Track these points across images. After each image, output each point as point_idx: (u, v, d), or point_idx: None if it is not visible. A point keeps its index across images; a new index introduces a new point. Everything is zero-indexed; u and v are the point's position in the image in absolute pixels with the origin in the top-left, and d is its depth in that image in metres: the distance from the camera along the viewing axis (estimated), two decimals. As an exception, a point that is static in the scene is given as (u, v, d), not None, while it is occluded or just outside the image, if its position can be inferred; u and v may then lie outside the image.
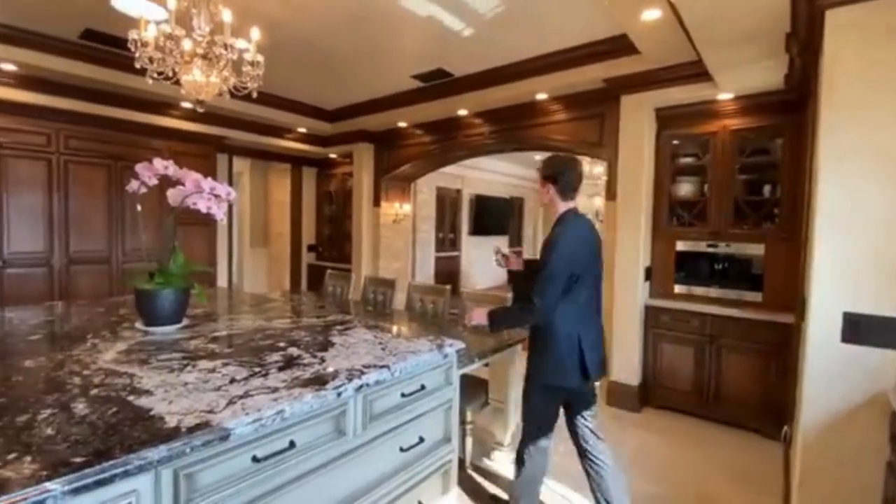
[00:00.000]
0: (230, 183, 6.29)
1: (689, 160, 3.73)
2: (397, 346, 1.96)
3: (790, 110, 3.23)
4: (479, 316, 2.14)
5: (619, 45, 3.42)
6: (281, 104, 5.31)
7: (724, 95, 3.35)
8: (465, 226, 9.72)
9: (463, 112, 4.79)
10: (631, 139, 3.65)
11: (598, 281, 2.13)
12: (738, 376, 3.34)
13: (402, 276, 6.49)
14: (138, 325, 2.26)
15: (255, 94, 2.54)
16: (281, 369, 1.61)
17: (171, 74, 2.34)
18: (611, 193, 3.84)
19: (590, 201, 8.93)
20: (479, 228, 9.88)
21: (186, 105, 4.81)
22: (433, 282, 8.76)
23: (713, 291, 3.60)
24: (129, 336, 2.10)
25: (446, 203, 9.21)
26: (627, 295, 3.67)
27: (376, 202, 6.22)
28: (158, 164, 2.29)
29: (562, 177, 1.98)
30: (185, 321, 2.36)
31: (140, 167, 2.31)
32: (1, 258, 3.88)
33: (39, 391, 1.37)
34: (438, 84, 4.51)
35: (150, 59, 2.30)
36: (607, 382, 3.80)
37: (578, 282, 1.94)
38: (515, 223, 11.55)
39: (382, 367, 1.66)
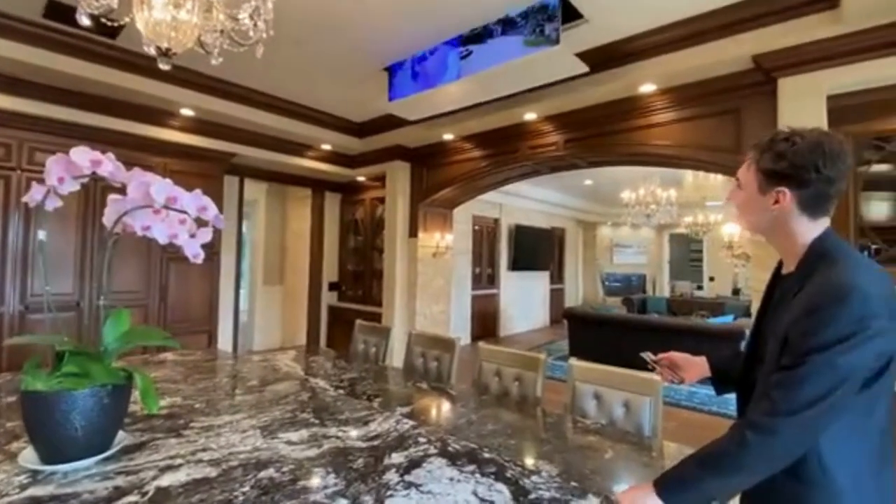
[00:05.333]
0: (240, 211, 5.33)
1: (883, 168, 2.55)
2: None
3: None
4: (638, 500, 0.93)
5: (775, 7, 2.40)
6: (301, 114, 4.39)
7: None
8: (503, 260, 8.58)
9: (530, 116, 3.77)
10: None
11: None
12: None
13: (441, 324, 5.37)
14: (27, 454, 1.20)
15: (260, 51, 1.54)
16: None
17: (114, 6, 1.36)
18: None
19: (652, 233, 7.68)
20: (519, 263, 8.73)
21: (187, 112, 3.91)
22: (469, 325, 7.60)
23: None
24: (-14, 495, 1.05)
25: (483, 234, 8.13)
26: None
27: (412, 232, 5.19)
28: (79, 155, 1.29)
29: (821, 175, 0.89)
30: (122, 436, 1.32)
31: (51, 162, 1.31)
32: (-73, 306, 2.91)
33: None
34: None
35: (82, -18, 1.33)
36: None
37: (883, 379, 0.85)
38: (556, 257, 10.37)
39: None
